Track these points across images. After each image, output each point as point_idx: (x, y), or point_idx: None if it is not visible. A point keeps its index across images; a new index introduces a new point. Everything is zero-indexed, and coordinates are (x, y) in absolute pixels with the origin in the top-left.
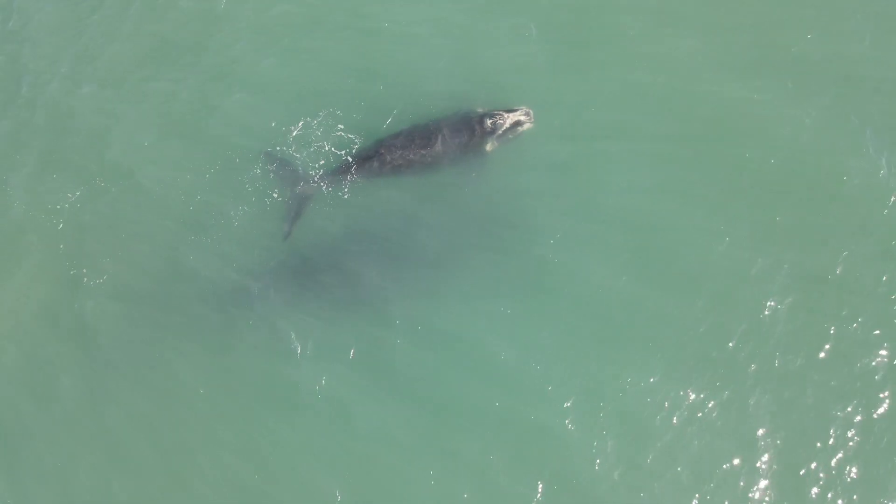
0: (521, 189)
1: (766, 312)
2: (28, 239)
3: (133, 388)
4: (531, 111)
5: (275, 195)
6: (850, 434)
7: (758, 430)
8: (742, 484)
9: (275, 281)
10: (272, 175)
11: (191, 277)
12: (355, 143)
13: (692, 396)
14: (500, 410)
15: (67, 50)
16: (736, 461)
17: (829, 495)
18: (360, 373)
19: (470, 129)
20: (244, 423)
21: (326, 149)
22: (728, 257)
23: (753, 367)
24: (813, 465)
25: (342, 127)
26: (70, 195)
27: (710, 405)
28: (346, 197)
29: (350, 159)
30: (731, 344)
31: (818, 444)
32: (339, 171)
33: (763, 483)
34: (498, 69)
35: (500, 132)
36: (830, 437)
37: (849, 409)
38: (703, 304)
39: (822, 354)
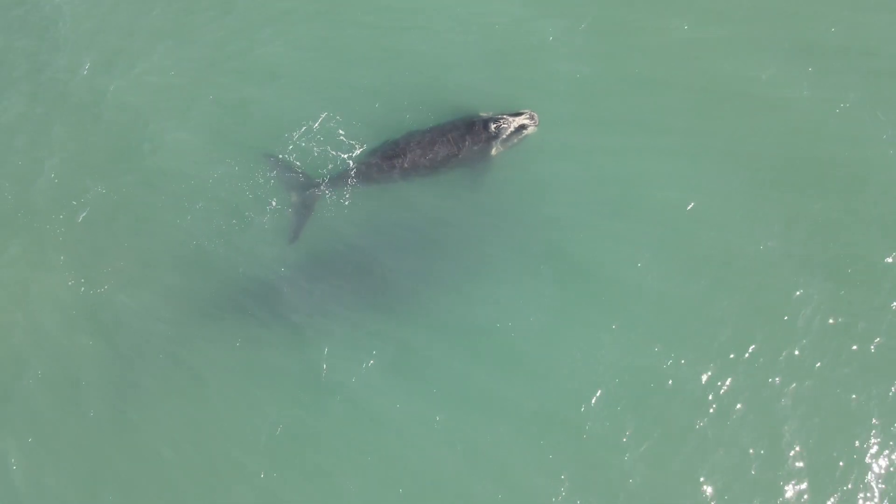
0: (544, 183)
1: (795, 307)
2: (44, 239)
3: (154, 386)
4: (536, 115)
5: (285, 198)
6: (878, 436)
7: (785, 429)
8: (767, 483)
9: (293, 279)
10: (279, 179)
11: (207, 276)
12: (358, 148)
13: (719, 394)
14: (524, 406)
15: (87, 46)
16: (762, 460)
17: (858, 497)
18: (381, 369)
19: (474, 133)
20: (263, 421)
21: (333, 154)
22: (754, 251)
23: (781, 364)
24: (841, 465)
25: (343, 132)
26: (81, 199)
27: (737, 404)
28: (348, 202)
29: (354, 163)
30: (757, 341)
31: (846, 444)
32: (343, 176)
33: (790, 484)
34: (515, 63)
35: (505, 136)
36: (858, 437)
37: (880, 408)
38: (731, 301)
39: (851, 351)
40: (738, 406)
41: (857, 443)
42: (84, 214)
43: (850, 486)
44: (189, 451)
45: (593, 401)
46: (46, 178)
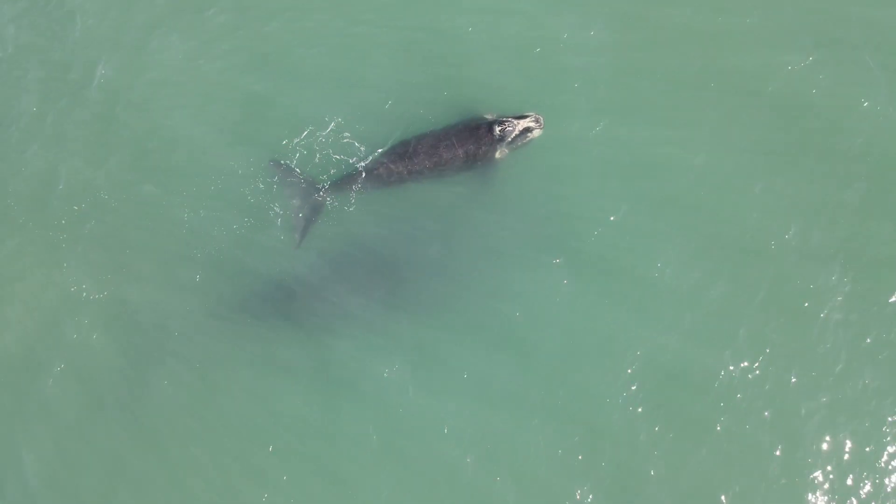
0: (559, 177)
1: (814, 303)
2: (53, 241)
3: (164, 386)
4: (541, 117)
5: (286, 204)
6: None
7: (805, 428)
8: (786, 484)
9: (303, 281)
10: (282, 184)
11: (216, 278)
12: (363, 151)
13: (738, 392)
14: (539, 404)
15: (98, 47)
16: (781, 461)
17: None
18: (394, 369)
19: (479, 136)
20: (274, 421)
21: (336, 158)
22: (774, 246)
23: (800, 361)
24: (861, 465)
25: (348, 135)
26: (83, 203)
27: (755, 402)
28: (353, 207)
29: (359, 168)
30: (776, 338)
31: (867, 443)
32: (347, 180)
33: (810, 484)
34: (528, 58)
35: (510, 139)
36: (880, 436)
37: None
38: (750, 297)
39: (872, 347)
40: (757, 405)
41: (874, 444)
42: (91, 217)
43: (869, 487)
44: (198, 449)
45: (610, 399)
46: (54, 181)
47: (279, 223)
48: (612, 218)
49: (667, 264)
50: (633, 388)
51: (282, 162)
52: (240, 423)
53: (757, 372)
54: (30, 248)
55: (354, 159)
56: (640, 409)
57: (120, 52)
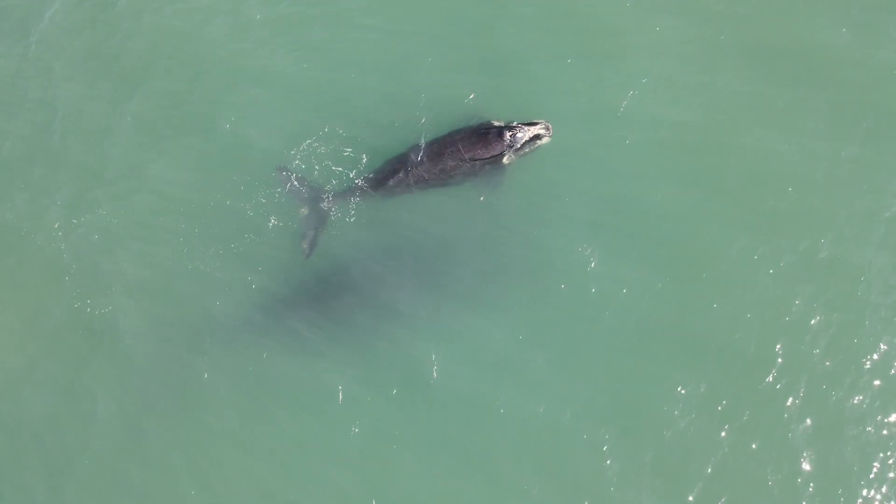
0: (607, 160)
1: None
2: (46, 253)
3: (167, 399)
4: (550, 125)
5: (293, 214)
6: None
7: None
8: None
9: (306, 294)
10: (289, 194)
11: (218, 292)
12: (365, 161)
13: (802, 393)
14: (584, 402)
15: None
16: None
17: None
18: (398, 383)
19: (489, 142)
20: (271, 429)
21: (340, 170)
22: (842, 231)
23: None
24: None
25: (350, 149)
26: (83, 217)
27: (821, 402)
28: (353, 218)
29: (365, 177)
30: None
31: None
32: (351, 190)
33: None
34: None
35: (519, 145)
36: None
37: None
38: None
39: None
40: (821, 403)
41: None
42: (93, 232)
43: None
44: (201, 462)
45: (658, 395)
46: (51, 199)
47: (275, 236)
48: (661, 203)
49: (717, 252)
50: (682, 386)
51: (287, 172)
52: (271, 427)
53: (820, 368)
54: (28, 265)
55: (355, 172)
56: (693, 414)
57: (119, 73)
